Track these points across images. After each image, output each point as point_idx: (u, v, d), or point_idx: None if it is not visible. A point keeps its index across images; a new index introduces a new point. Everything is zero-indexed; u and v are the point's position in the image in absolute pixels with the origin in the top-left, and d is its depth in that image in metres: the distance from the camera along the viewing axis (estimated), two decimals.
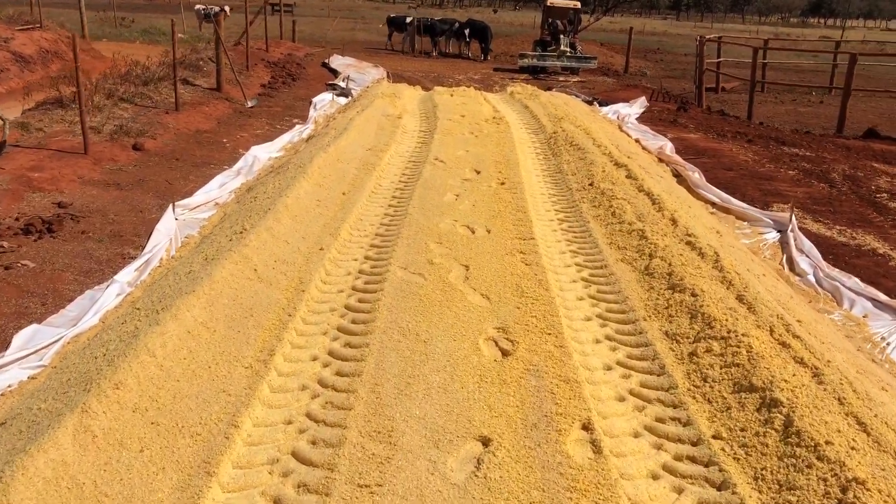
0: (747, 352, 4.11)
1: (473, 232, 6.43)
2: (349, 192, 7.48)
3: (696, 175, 9.92)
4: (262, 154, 10.54)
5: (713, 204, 8.87)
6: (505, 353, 4.28)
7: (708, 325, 4.48)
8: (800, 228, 7.91)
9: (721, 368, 4.06)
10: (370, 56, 25.42)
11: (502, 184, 8.00)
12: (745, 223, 8.26)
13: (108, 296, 5.96)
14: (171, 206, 7.84)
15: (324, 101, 14.61)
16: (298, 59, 19.10)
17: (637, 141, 12.48)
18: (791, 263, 7.13)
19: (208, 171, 9.60)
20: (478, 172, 8.49)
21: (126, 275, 6.39)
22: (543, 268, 5.53)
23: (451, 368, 4.06)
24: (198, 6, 28.45)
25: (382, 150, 9.24)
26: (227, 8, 27.21)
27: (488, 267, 5.54)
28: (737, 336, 4.28)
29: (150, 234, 7.36)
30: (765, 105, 19.52)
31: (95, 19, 29.63)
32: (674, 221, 6.40)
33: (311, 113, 13.41)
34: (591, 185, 7.90)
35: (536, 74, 23.76)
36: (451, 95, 13.60)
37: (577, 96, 18.27)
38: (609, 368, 4.27)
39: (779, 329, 4.37)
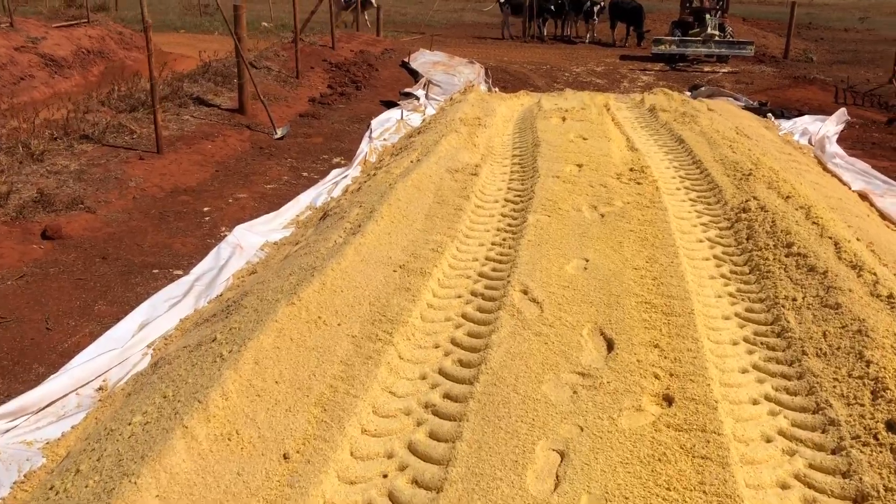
0: None
1: None
2: (297, 456, 3.05)
3: None
4: (251, 239, 6.26)
5: None
6: None
7: None
8: None
9: None
10: (473, 45, 20.75)
11: (668, 401, 3.36)
12: None
13: None
14: None
15: (388, 124, 10.17)
16: (373, 57, 14.67)
17: (864, 198, 7.41)
18: None
19: (143, 286, 5.43)
20: (609, 345, 3.86)
21: None
22: None
23: None
24: None
25: (425, 270, 4.70)
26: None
27: None
28: None
29: None
30: None
31: (178, 7, 26.39)
32: None
33: (363, 146, 9.01)
34: (890, 428, 3.14)
35: (675, 64, 18.45)
36: (563, 120, 8.82)
37: (736, 100, 13.06)
38: None
39: None
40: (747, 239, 5.32)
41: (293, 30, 15.67)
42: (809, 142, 10.02)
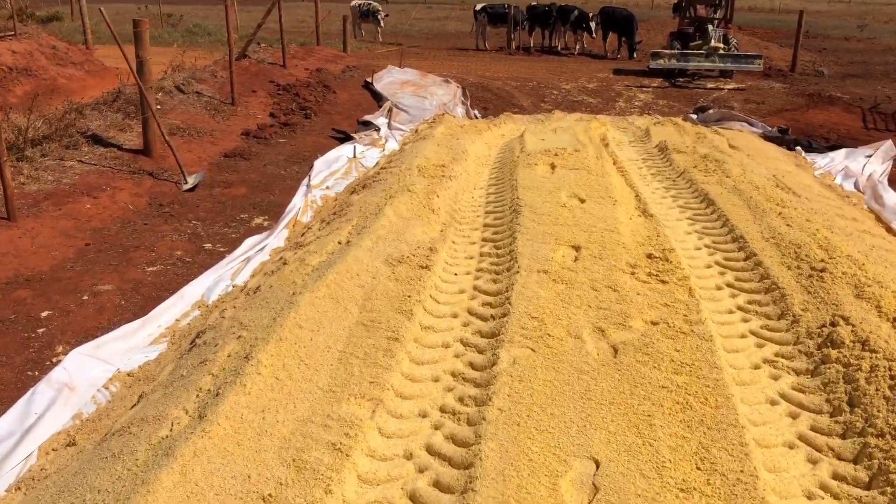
0: None
1: None
2: None
3: None
4: (91, 372, 4.15)
5: None
6: None
7: None
8: None
9: None
10: (453, 59, 18.63)
11: None
12: None
13: None
14: None
15: (336, 165, 8.04)
16: (331, 76, 12.50)
17: None
18: None
19: None
20: None
21: None
22: None
23: None
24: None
25: None
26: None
27: None
28: None
29: None
30: None
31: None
32: None
33: (296, 200, 6.89)
34: None
35: (674, 79, 16.41)
36: (553, 168, 6.73)
37: (750, 125, 11.03)
38: None
39: None
40: (850, 405, 3.24)
41: (248, 42, 13.59)
42: (855, 186, 7.98)
